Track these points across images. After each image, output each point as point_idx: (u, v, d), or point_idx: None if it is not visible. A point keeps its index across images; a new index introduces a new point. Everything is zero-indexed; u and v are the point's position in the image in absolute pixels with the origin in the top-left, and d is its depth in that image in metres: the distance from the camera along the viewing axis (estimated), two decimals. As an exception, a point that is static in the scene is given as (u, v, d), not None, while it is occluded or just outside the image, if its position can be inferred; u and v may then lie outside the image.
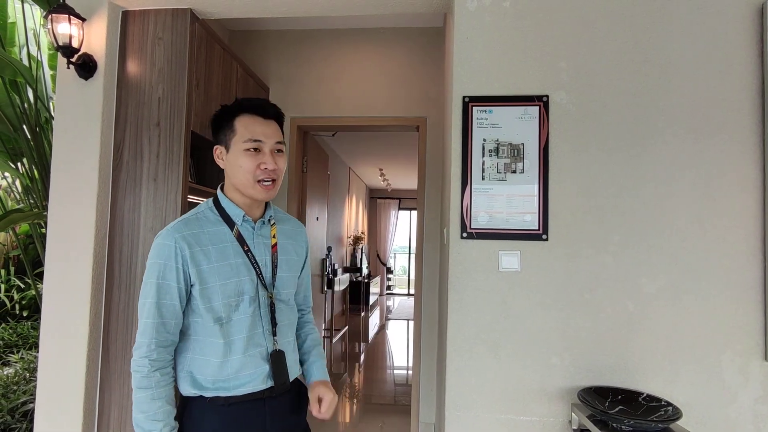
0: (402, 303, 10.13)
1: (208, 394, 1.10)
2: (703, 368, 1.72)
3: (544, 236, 1.81)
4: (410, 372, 4.63)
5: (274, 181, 1.15)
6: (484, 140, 1.85)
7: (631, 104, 1.81)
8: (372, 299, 8.86)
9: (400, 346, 5.97)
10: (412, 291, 11.59)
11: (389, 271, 11.34)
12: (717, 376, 1.72)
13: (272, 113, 1.18)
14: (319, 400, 1.20)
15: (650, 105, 1.80)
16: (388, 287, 11.45)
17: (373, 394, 3.93)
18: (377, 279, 9.91)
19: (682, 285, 1.75)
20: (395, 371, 4.71)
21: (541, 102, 1.83)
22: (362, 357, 5.27)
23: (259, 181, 1.13)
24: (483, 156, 1.84)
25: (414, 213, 11.26)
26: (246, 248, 1.14)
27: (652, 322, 1.75)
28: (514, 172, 1.83)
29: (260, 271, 1.15)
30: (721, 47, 1.79)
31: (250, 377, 1.11)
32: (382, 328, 7.14)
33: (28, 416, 2.39)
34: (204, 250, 1.09)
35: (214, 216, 1.16)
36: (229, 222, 1.15)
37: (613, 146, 1.80)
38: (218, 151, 1.19)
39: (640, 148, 1.80)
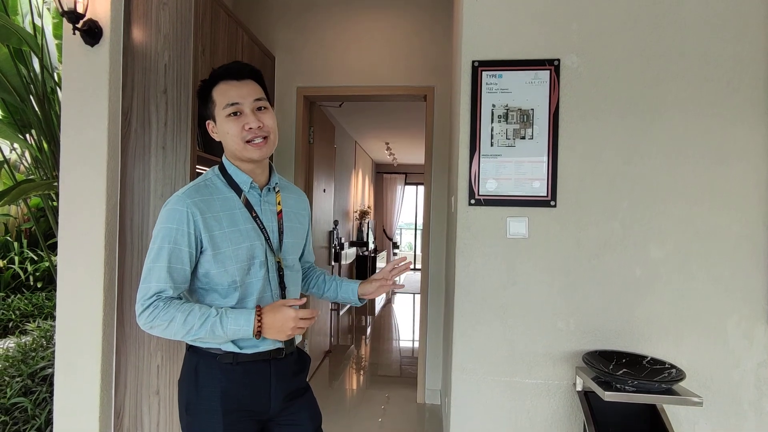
0: (408, 277, 10.21)
1: (220, 350, 1.12)
2: (708, 332, 1.74)
3: (552, 203, 1.80)
4: (416, 344, 4.71)
5: (265, 138, 1.15)
6: (494, 106, 1.83)
7: (644, 67, 1.77)
8: (378, 274, 8.91)
9: (406, 320, 6.05)
10: (418, 266, 11.67)
11: (395, 246, 11.39)
12: (721, 341, 1.74)
13: (246, 73, 1.17)
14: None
15: (664, 68, 1.77)
16: (395, 262, 11.51)
17: (380, 365, 4.00)
18: (383, 254, 9.98)
19: (691, 251, 1.75)
20: (401, 344, 4.79)
21: (552, 66, 1.80)
22: (369, 330, 5.35)
23: (248, 142, 1.14)
24: (492, 122, 1.83)
25: (420, 188, 11.25)
26: (254, 214, 1.17)
27: (659, 288, 1.76)
28: (524, 138, 1.81)
29: (268, 236, 1.17)
30: (736, 7, 1.74)
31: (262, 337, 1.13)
32: (389, 302, 7.22)
33: (47, 380, 2.47)
34: (215, 217, 1.11)
35: (222, 183, 1.17)
36: (237, 189, 1.17)
37: (624, 111, 1.78)
38: (210, 125, 1.20)
39: (652, 112, 1.77)
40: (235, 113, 1.13)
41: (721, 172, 1.74)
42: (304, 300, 1.13)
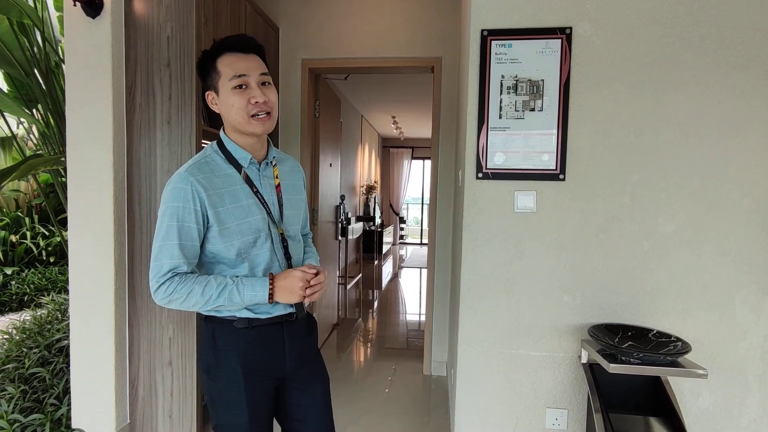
0: (415, 252, 10.27)
1: (235, 317, 1.18)
2: (715, 306, 1.74)
3: (561, 176, 1.78)
4: (422, 318, 4.76)
5: (268, 113, 1.16)
6: (503, 77, 1.78)
7: (660, 36, 1.72)
8: (385, 248, 8.98)
9: (412, 293, 6.10)
10: (424, 241, 11.71)
11: (402, 220, 11.41)
12: (729, 314, 1.74)
13: (252, 47, 1.17)
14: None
15: (679, 37, 1.71)
16: (401, 237, 11.58)
17: (387, 338, 4.06)
18: (390, 228, 10.00)
19: (701, 224, 1.73)
20: (408, 317, 4.85)
21: (564, 35, 1.74)
22: (376, 304, 5.41)
23: (252, 116, 1.14)
24: (501, 93, 1.79)
25: (427, 162, 11.16)
26: (255, 189, 1.19)
27: (668, 262, 1.75)
28: (533, 110, 1.78)
29: (269, 210, 1.20)
30: (761, -29, 1.66)
31: (275, 303, 1.19)
32: (395, 276, 7.28)
33: (64, 351, 2.54)
34: (218, 194, 1.13)
35: (221, 159, 1.18)
36: (236, 165, 1.18)
37: (637, 81, 1.73)
38: (210, 96, 1.19)
39: (665, 83, 1.72)
40: (241, 86, 1.13)
41: (735, 144, 1.70)
42: (314, 270, 1.17)
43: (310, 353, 1.31)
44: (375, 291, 6.09)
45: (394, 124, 8.50)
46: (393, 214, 10.90)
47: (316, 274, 1.18)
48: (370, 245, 8.26)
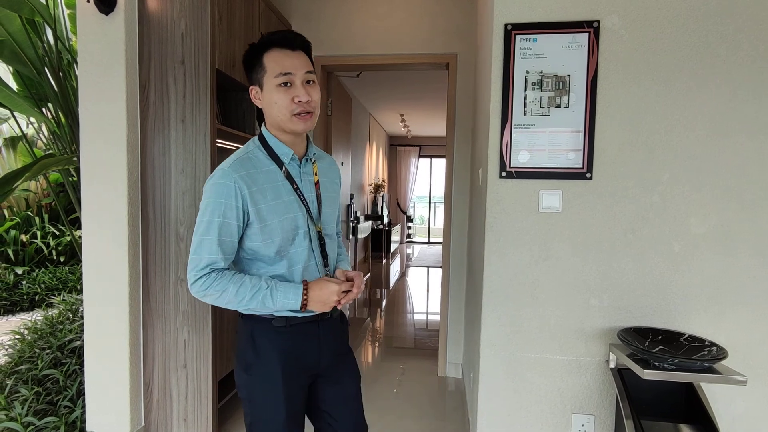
0: (422, 251, 10.21)
1: (273, 316, 1.17)
2: (750, 309, 1.68)
3: (588, 175, 1.72)
4: (431, 317, 4.71)
5: (310, 113, 1.15)
6: (527, 72, 1.73)
7: (691, 29, 1.65)
8: (393, 247, 8.95)
9: (420, 292, 6.06)
10: (432, 239, 11.66)
11: (409, 219, 11.36)
12: (764, 317, 1.67)
13: (299, 44, 1.15)
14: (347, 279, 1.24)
15: (712, 30, 1.65)
16: (409, 235, 11.53)
17: (396, 338, 4.02)
18: (398, 227, 9.96)
19: (735, 225, 1.67)
20: (417, 316, 4.80)
21: (591, 28, 1.68)
22: (384, 303, 5.37)
23: (295, 114, 1.13)
24: (525, 90, 1.73)
25: (434, 160, 11.11)
26: (295, 186, 1.18)
27: (699, 263, 1.69)
28: (559, 106, 1.72)
29: (309, 207, 1.20)
30: (799, -39, 1.59)
31: None
32: (403, 275, 7.23)
33: (76, 352, 2.51)
34: (260, 190, 1.12)
35: (263, 155, 1.17)
36: (278, 161, 1.17)
37: (668, 77, 1.67)
38: (254, 91, 1.19)
39: (698, 78, 1.66)
40: (286, 83, 1.12)
41: (769, 141, 1.64)
42: (344, 279, 1.20)
43: (343, 350, 1.32)
44: (383, 290, 6.05)
45: (402, 122, 8.45)
46: (400, 213, 10.86)
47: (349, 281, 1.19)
48: (379, 244, 8.23)
